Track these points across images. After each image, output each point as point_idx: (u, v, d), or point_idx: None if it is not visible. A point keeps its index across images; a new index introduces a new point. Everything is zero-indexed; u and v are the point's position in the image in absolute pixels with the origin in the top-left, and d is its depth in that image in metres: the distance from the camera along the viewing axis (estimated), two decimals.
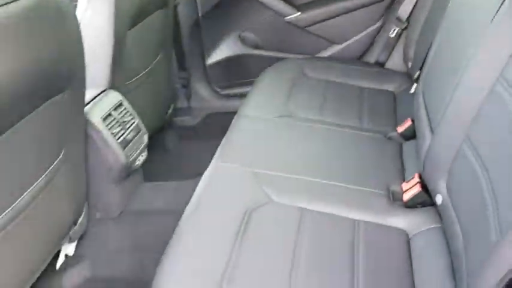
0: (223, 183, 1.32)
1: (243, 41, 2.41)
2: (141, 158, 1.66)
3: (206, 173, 1.35)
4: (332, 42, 2.32)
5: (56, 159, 1.25)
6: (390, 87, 2.02)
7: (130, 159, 1.57)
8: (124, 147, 1.55)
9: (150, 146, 1.83)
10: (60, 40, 1.12)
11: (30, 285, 1.31)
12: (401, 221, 1.24)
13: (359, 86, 2.01)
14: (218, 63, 2.45)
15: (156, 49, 2.01)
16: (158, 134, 2.14)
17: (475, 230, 0.94)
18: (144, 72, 1.88)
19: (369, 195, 1.32)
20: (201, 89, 2.48)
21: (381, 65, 2.26)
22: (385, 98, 1.94)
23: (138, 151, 1.63)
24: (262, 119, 1.67)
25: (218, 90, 2.49)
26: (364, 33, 2.26)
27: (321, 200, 1.30)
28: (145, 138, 1.69)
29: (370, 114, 1.78)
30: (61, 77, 1.16)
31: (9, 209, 1.08)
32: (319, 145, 1.54)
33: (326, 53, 2.33)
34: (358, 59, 2.31)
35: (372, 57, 2.28)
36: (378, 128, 1.69)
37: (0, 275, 1.12)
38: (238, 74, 2.46)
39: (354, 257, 1.11)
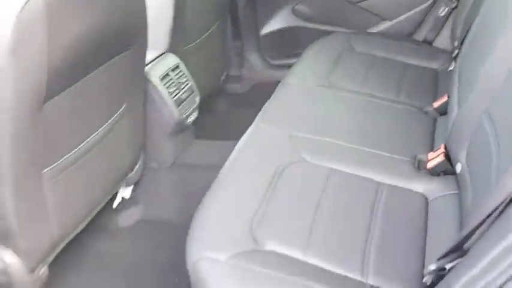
0: (260, 142, 1.46)
1: (296, 13, 2.52)
2: (193, 117, 1.84)
3: (247, 133, 1.50)
4: (382, 19, 2.38)
5: (118, 110, 1.44)
6: (435, 65, 2.07)
7: (183, 116, 1.76)
8: (178, 105, 1.73)
9: (202, 109, 2.01)
10: (127, 4, 1.29)
11: (90, 219, 1.53)
12: (423, 186, 1.34)
13: (404, 62, 2.08)
14: (271, 34, 2.57)
15: (212, 18, 2.16)
16: (210, 98, 2.30)
17: (482, 192, 1.03)
18: (200, 39, 2.04)
19: (396, 162, 1.43)
20: (253, 59, 2.61)
21: (429, 43, 2.30)
22: (427, 75, 2.00)
23: (191, 110, 1.81)
24: (304, 87, 1.80)
25: (269, 60, 2.62)
26: (415, 11, 2.30)
27: (350, 162, 1.41)
28: (197, 99, 1.86)
29: (410, 89, 1.86)
30: (127, 36, 1.34)
31: (79, 147, 1.28)
32: (355, 114, 1.65)
33: (376, 29, 2.40)
34: (407, 36, 2.36)
35: (420, 35, 2.33)
36: (415, 103, 1.76)
37: (66, 206, 1.34)
38: (290, 45, 2.58)
39: (372, 214, 1.23)
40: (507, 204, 0.70)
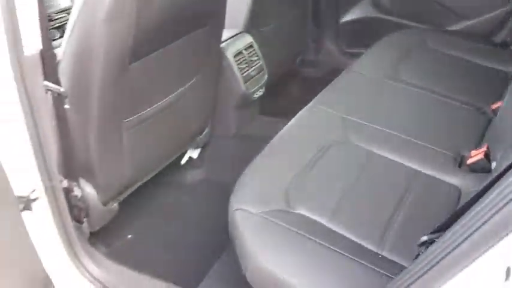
0: (313, 120, 1.60)
1: (376, 5, 2.58)
2: (259, 93, 2.01)
3: (302, 110, 1.64)
4: (462, 17, 2.38)
5: (192, 79, 1.64)
6: (507, 68, 2.06)
7: (250, 91, 1.93)
8: (246, 81, 1.91)
9: (273, 88, 2.16)
10: None
11: (159, 171, 1.76)
12: (459, 180, 1.41)
13: (475, 62, 2.09)
14: (350, 23, 2.66)
15: (292, 4, 2.30)
16: (283, 79, 2.45)
17: None
18: (277, 23, 2.19)
19: (438, 154, 1.50)
20: (330, 45, 2.73)
21: (506, 46, 2.27)
22: (496, 77, 2.00)
23: (257, 86, 1.98)
24: (366, 76, 1.89)
25: (345, 48, 2.71)
26: (496, 12, 2.28)
27: (394, 150, 1.50)
28: (265, 77, 2.02)
29: (474, 90, 1.88)
30: (205, 15, 1.52)
31: (155, 106, 1.50)
32: (411, 106, 1.73)
33: (454, 27, 2.40)
34: (484, 37, 2.35)
35: (498, 38, 2.30)
36: (476, 103, 1.79)
37: (139, 154, 1.56)
38: (367, 35, 2.63)
39: (403, 198, 1.33)
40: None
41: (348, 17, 2.67)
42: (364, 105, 1.71)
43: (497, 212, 0.63)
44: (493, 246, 0.62)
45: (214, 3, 1.54)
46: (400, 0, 2.52)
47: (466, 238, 0.67)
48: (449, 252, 0.69)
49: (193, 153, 1.98)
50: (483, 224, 0.65)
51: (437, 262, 0.71)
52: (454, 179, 1.42)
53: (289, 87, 2.62)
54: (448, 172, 1.44)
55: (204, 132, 1.92)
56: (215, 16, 1.57)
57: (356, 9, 2.65)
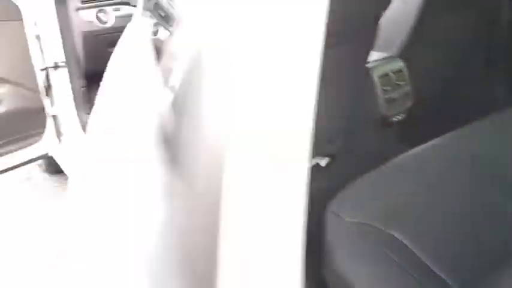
0: (445, 150, 1.56)
1: None
2: (399, 117, 2.00)
3: (436, 139, 1.60)
4: None
5: (330, 88, 1.72)
6: None
7: (388, 114, 1.95)
8: (387, 103, 1.93)
9: (421, 117, 2.11)
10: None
11: None
12: None
13: None
14: None
15: (464, 40, 2.21)
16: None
17: None
18: (442, 55, 2.12)
19: None
20: (499, 89, 2.55)
21: None
22: None
23: (398, 110, 1.98)
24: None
25: None
26: None
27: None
28: (409, 103, 2.01)
29: None
30: (353, 32, 1.60)
31: None
32: None
33: None
34: None
35: None
36: None
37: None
38: None
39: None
40: None
41: None
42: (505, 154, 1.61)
43: None
44: None
45: (363, 23, 1.61)
46: None
47: None
48: None
49: (322, 161, 2.07)
50: None
51: None
52: None
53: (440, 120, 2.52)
54: None
55: (333, 144, 1.99)
56: (363, 35, 1.64)
57: None
